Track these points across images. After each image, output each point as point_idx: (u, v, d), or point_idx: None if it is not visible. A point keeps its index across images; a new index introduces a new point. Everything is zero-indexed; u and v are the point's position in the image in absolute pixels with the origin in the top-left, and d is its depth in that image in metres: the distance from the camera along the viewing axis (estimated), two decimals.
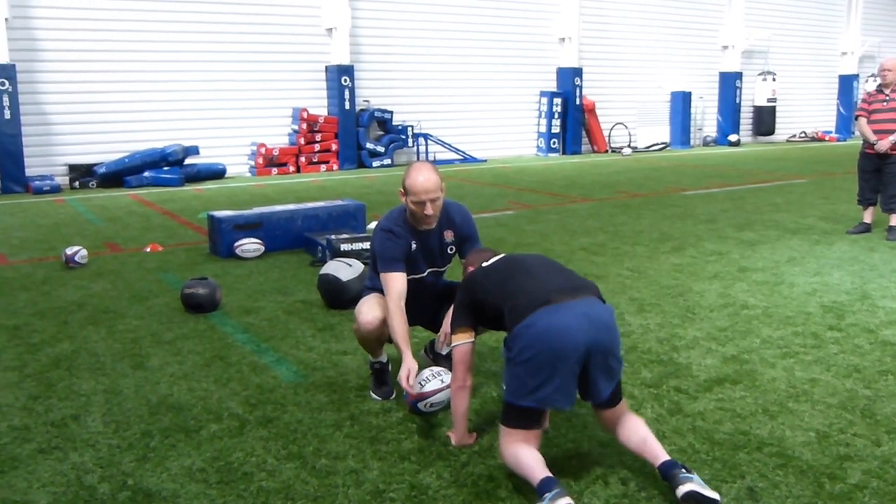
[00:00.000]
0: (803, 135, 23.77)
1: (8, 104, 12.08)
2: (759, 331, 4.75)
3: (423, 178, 3.48)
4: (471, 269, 3.34)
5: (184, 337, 4.76)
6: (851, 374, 4.01)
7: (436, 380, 3.54)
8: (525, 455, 2.74)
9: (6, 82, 12.05)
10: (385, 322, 3.62)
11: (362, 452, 3.21)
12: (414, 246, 3.64)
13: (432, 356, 4.13)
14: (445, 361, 3.87)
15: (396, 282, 3.56)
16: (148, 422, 3.53)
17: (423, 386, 3.55)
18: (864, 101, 7.89)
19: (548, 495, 2.54)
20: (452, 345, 3.08)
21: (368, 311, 3.68)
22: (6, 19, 12.14)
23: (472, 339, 3.08)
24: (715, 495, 2.63)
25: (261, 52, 14.67)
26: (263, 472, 3.06)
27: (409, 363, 3.36)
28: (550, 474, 2.62)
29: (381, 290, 3.67)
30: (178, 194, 11.82)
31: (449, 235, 3.73)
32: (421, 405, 3.54)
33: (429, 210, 3.51)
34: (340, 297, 5.30)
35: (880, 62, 7.84)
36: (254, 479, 3.00)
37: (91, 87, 13.15)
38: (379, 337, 3.71)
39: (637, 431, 2.91)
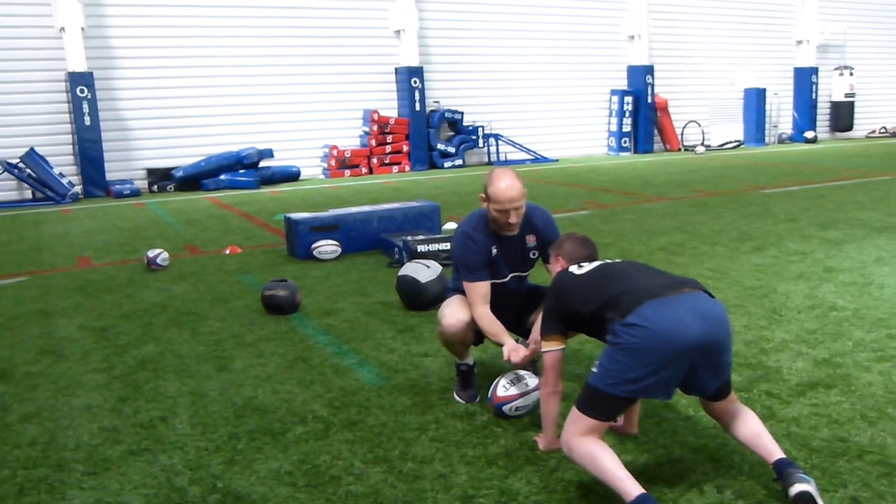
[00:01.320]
0: (884, 130, 22.83)
1: (87, 111, 12.55)
2: (850, 333, 4.56)
3: (507, 186, 3.41)
4: (561, 261, 3.22)
5: (265, 339, 4.83)
6: None
7: (521, 383, 3.51)
8: (605, 457, 2.61)
9: (85, 90, 12.51)
10: (469, 325, 3.60)
11: (449, 457, 3.19)
12: (495, 251, 3.59)
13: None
14: (531, 366, 3.84)
15: (480, 289, 3.54)
16: (234, 424, 3.58)
17: (507, 389, 3.52)
18: None
19: None
20: (543, 350, 3.02)
21: (451, 313, 3.66)
22: (82, 28, 12.60)
23: (563, 346, 3.01)
24: None
25: (331, 56, 14.87)
26: (350, 475, 3.06)
27: (510, 344, 3.40)
28: (645, 491, 2.49)
29: (464, 292, 3.65)
30: (254, 197, 12.05)
31: (531, 240, 3.67)
32: (506, 408, 3.52)
33: (512, 218, 3.46)
34: (419, 299, 5.30)
35: None
36: (341, 483, 3.01)
37: (167, 92, 13.55)
38: (463, 339, 3.68)
39: (751, 425, 2.80)
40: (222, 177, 13.14)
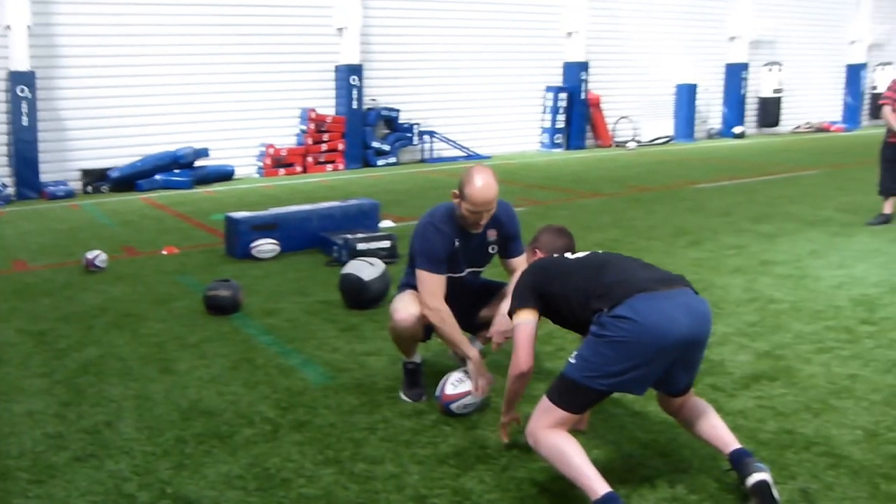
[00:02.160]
0: (808, 125, 23.66)
1: (26, 111, 12.05)
2: (789, 326, 4.69)
3: (485, 186, 3.35)
4: (539, 254, 3.19)
5: (208, 340, 4.71)
6: (891, 370, 3.95)
7: (469, 381, 3.49)
8: (574, 453, 2.55)
9: (26, 89, 12.03)
10: (420, 319, 3.56)
11: (400, 456, 3.15)
12: (457, 244, 3.55)
13: (461, 360, 4.07)
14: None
15: (438, 282, 3.50)
16: (181, 427, 3.47)
17: (455, 387, 3.50)
18: (890, 89, 7.75)
19: None
20: (515, 323, 2.89)
21: (404, 308, 3.61)
22: (28, 27, 12.10)
23: (537, 320, 2.88)
24: (778, 497, 2.57)
25: (271, 54, 14.59)
26: (302, 478, 3.00)
27: (476, 361, 3.48)
28: (611, 489, 2.46)
29: (416, 287, 3.60)
30: (189, 196, 11.77)
31: (492, 234, 3.64)
32: (454, 406, 3.49)
33: (483, 220, 3.46)
34: (363, 297, 5.24)
35: None
36: (293, 485, 2.94)
37: (104, 91, 13.11)
38: (413, 335, 3.65)
39: (707, 418, 2.81)
40: (157, 177, 12.80)
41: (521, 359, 2.87)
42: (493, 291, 3.81)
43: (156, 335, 4.84)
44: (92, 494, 2.91)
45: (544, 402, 2.67)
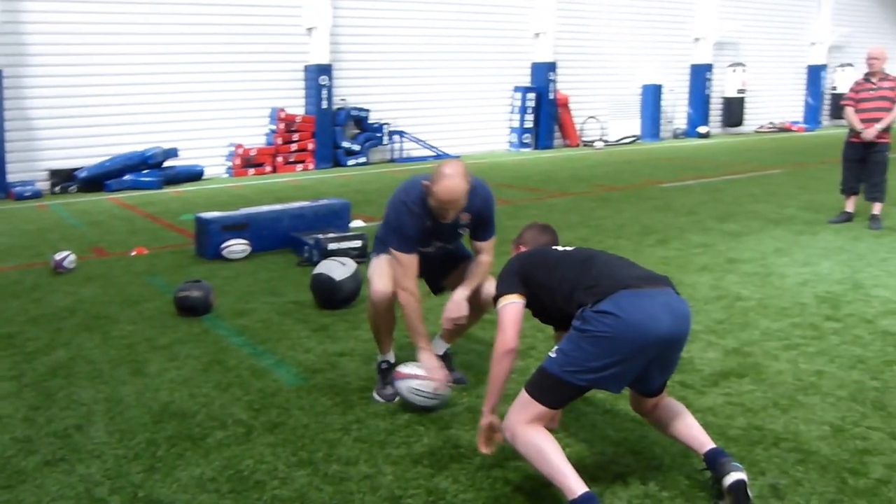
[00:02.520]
0: (771, 125, 24.05)
1: None
2: (757, 323, 4.77)
3: (450, 187, 3.36)
4: (522, 248, 3.18)
5: (179, 341, 4.65)
6: (856, 366, 4.03)
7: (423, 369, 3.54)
8: (552, 451, 2.53)
9: None
10: (394, 294, 3.65)
11: (374, 457, 3.15)
12: (428, 223, 3.57)
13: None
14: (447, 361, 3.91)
15: (410, 261, 3.56)
16: (152, 430, 3.43)
17: (410, 368, 3.55)
18: (851, 90, 7.94)
19: None
20: (503, 304, 2.85)
21: (379, 279, 3.68)
22: None
23: (524, 301, 2.86)
24: (752, 495, 2.62)
25: (241, 53, 14.48)
26: (275, 479, 2.98)
27: (429, 361, 3.53)
28: (589, 489, 2.46)
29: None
30: (158, 197, 11.63)
31: (465, 218, 3.64)
32: (403, 385, 3.53)
33: (449, 216, 3.49)
34: (334, 297, 5.22)
35: (868, 51, 7.90)
36: (266, 487, 2.93)
37: (72, 91, 12.91)
38: (389, 308, 3.70)
39: (682, 418, 2.83)
40: (126, 177, 12.63)
41: (508, 335, 2.79)
42: (461, 257, 3.90)
43: (126, 337, 4.77)
44: (63, 499, 2.86)
45: (523, 395, 2.65)
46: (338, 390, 3.85)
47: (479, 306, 3.79)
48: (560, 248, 3.01)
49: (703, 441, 2.76)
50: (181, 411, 3.63)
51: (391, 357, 3.82)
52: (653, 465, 3.02)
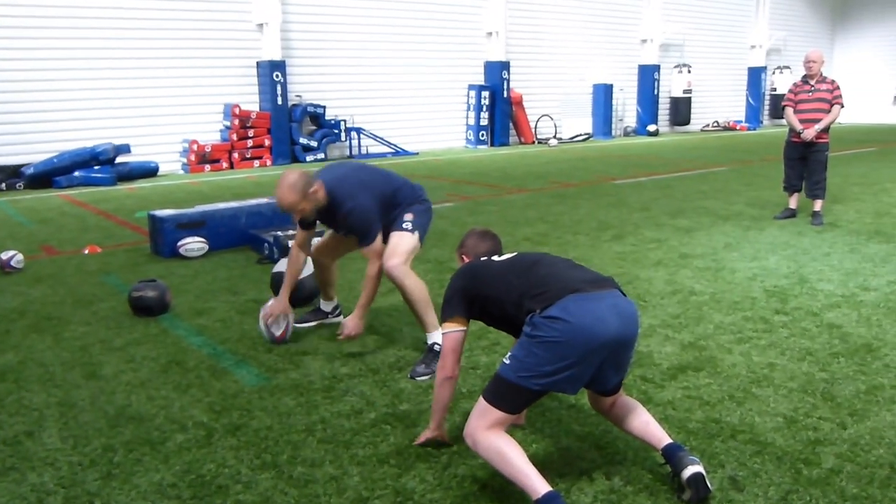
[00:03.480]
0: (716, 124, 24.58)
1: None
2: (710, 317, 4.87)
3: (278, 198, 3.93)
4: (466, 258, 3.22)
5: (135, 342, 4.56)
6: (805, 358, 4.15)
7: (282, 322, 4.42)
8: (513, 453, 2.57)
9: None
10: (320, 252, 4.62)
11: (339, 458, 3.13)
12: (315, 215, 4.12)
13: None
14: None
15: (300, 234, 4.35)
16: (108, 435, 3.35)
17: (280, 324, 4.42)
18: (790, 91, 8.17)
19: None
20: (444, 332, 2.96)
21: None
22: None
23: (465, 329, 2.96)
24: (711, 487, 2.68)
25: (190, 49, 14.27)
26: (239, 484, 2.94)
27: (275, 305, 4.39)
28: (552, 489, 2.49)
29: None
30: (111, 194, 11.36)
31: (340, 217, 4.07)
32: (274, 328, 4.41)
33: (296, 217, 4.06)
34: (294, 295, 5.14)
35: (805, 54, 8.13)
36: (230, 492, 2.88)
37: (17, 86, 12.59)
38: (319, 265, 4.69)
39: (638, 415, 2.88)
40: (76, 173, 12.32)
41: (447, 364, 2.95)
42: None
43: (79, 339, 4.65)
44: None
45: (481, 403, 2.68)
46: (301, 390, 3.81)
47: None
48: (500, 257, 3.02)
49: (660, 437, 2.82)
50: (139, 415, 3.56)
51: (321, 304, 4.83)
52: (616, 459, 3.07)
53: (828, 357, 4.16)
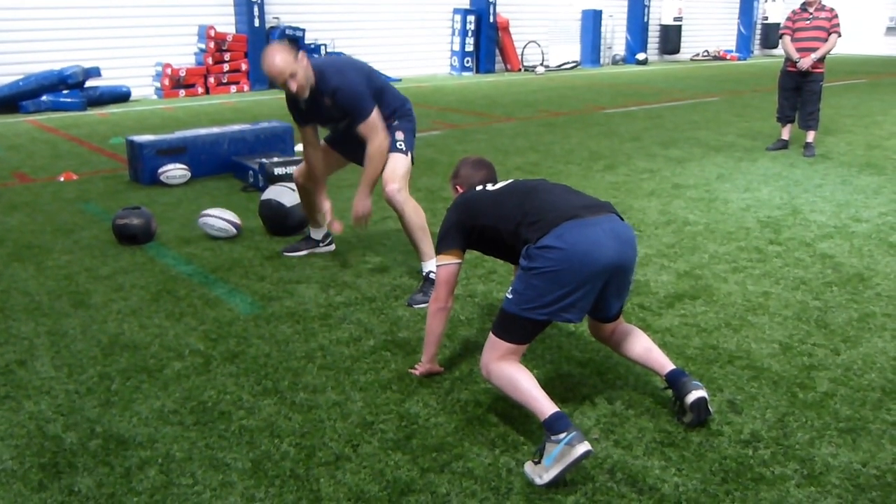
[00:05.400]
0: (706, 53, 24.27)
1: None
2: (705, 247, 4.87)
3: (267, 65, 3.73)
4: (461, 189, 3.17)
5: (123, 271, 4.48)
6: (799, 287, 4.17)
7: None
8: (522, 379, 2.59)
9: None
10: (301, 175, 4.45)
11: (341, 384, 3.12)
12: (303, 105, 3.97)
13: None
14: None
15: (304, 133, 4.19)
16: (103, 364, 3.31)
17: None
18: (788, 19, 8.02)
19: (564, 437, 2.38)
20: (438, 264, 2.94)
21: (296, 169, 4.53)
22: None
23: (460, 261, 2.94)
24: (711, 410, 2.72)
25: None
26: (241, 409, 2.93)
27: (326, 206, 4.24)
28: (559, 409, 2.49)
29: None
30: (82, 119, 11.05)
31: (328, 102, 3.88)
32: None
33: (290, 88, 3.78)
34: (285, 224, 5.10)
35: None
36: (233, 418, 2.87)
37: None
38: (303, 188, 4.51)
39: (639, 341, 2.89)
40: (44, 98, 11.88)
41: (441, 296, 2.95)
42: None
43: (63, 267, 4.57)
44: (13, 438, 2.74)
45: (491, 337, 2.70)
46: (297, 318, 3.78)
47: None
48: (495, 186, 2.96)
49: (663, 363, 2.83)
50: (133, 343, 3.52)
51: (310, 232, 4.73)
52: (618, 384, 3.09)
53: (821, 286, 4.18)
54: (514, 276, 2.73)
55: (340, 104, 3.86)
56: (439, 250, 2.96)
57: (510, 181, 2.96)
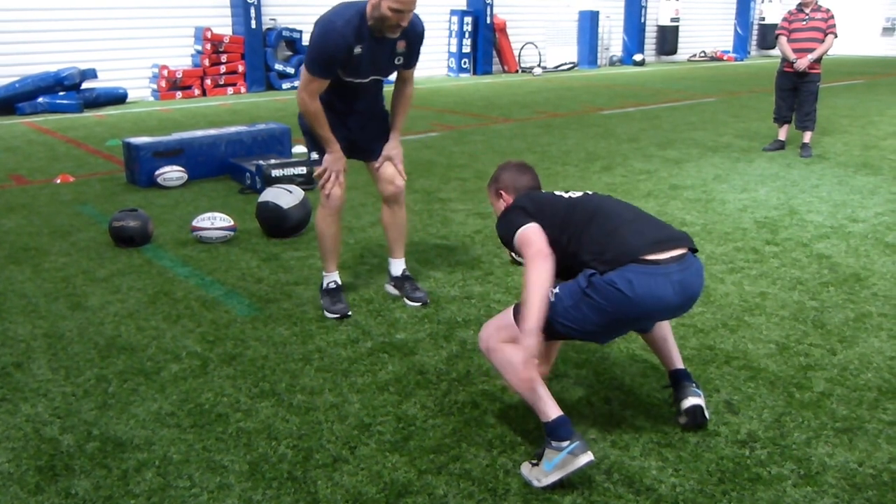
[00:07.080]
0: (703, 54, 24.30)
1: None
2: (702, 247, 4.87)
3: None
4: (505, 196, 2.85)
5: (119, 273, 4.48)
6: (796, 287, 4.17)
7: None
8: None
9: None
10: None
11: (338, 386, 3.12)
12: (359, 50, 3.42)
13: (393, 283, 4.07)
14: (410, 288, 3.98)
15: (319, 86, 3.48)
16: (100, 366, 3.31)
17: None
18: (784, 20, 8.04)
19: (567, 445, 2.33)
20: (517, 236, 2.55)
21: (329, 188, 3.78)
22: None
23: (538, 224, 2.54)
24: (708, 417, 2.73)
25: None
26: (238, 412, 2.93)
27: (335, 154, 3.68)
28: (562, 413, 2.43)
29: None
30: (79, 121, 11.04)
31: (402, 46, 3.60)
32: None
33: (405, 21, 3.37)
34: (283, 226, 5.10)
35: None
36: (230, 420, 2.87)
37: None
38: (339, 209, 3.82)
39: (661, 326, 2.80)
40: (40, 99, 11.88)
41: (538, 245, 2.48)
42: (382, 120, 3.90)
43: (60, 269, 4.57)
44: (9, 440, 2.74)
45: (507, 315, 2.55)
46: (295, 320, 3.78)
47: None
48: (568, 194, 2.67)
49: (674, 359, 2.81)
50: (130, 345, 3.51)
51: (336, 276, 3.93)
52: (614, 385, 3.09)
53: (818, 286, 4.19)
54: (562, 279, 2.52)
55: (415, 46, 3.67)
56: (512, 228, 2.58)
57: (582, 194, 2.70)
